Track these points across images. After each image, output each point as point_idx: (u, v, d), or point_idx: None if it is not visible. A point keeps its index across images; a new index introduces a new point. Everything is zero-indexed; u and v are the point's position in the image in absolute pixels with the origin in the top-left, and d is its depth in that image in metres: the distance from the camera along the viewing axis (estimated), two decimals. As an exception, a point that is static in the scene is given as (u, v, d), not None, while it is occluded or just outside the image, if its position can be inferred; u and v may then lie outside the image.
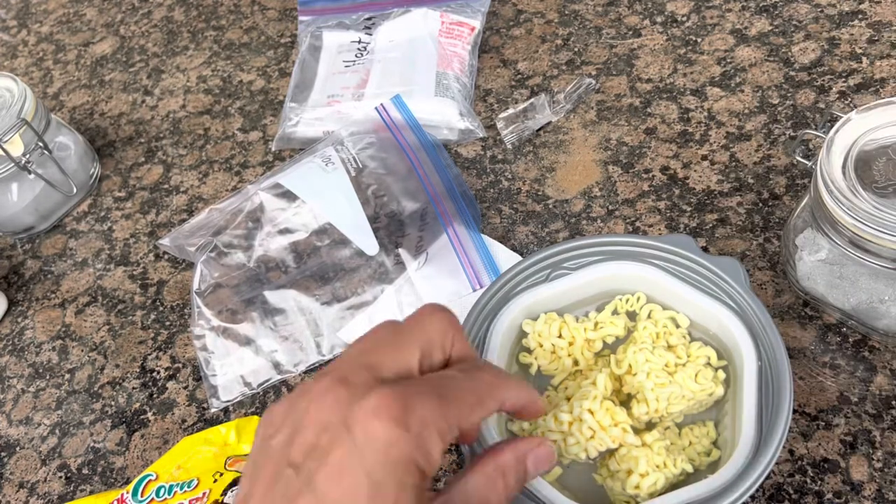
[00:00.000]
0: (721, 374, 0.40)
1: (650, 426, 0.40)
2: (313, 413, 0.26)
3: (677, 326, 0.42)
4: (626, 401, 0.40)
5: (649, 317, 0.42)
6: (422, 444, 0.25)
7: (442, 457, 0.26)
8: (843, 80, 0.57)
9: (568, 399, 0.40)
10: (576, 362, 0.42)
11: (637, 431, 0.38)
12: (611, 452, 0.38)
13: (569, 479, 0.39)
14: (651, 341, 0.40)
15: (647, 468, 0.36)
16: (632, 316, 0.43)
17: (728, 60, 0.61)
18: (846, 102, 0.56)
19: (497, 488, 0.29)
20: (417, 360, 0.28)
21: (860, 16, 0.61)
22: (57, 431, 0.54)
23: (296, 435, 0.26)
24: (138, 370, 0.56)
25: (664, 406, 0.39)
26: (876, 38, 0.59)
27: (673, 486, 0.37)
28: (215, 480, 0.44)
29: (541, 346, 0.42)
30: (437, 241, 0.55)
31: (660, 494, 0.36)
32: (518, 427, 0.40)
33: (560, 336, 0.42)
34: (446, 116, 0.63)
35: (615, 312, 0.43)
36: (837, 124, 0.41)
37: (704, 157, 0.56)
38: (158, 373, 0.55)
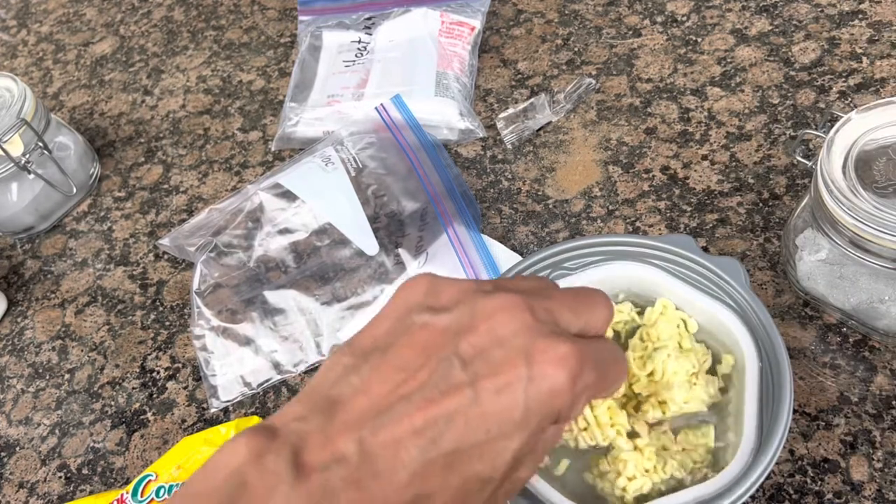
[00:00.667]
0: (721, 382, 0.40)
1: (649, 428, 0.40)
2: (494, 323, 0.27)
3: (687, 329, 0.41)
4: (632, 401, 0.40)
5: (663, 313, 0.42)
6: (573, 404, 0.28)
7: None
8: (844, 79, 0.57)
9: None
10: None
11: (634, 435, 0.38)
12: (604, 453, 0.38)
13: (568, 479, 0.39)
14: (676, 342, 0.40)
15: (635, 472, 0.36)
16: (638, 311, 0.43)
17: (728, 60, 0.61)
18: (846, 102, 0.56)
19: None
20: (578, 330, 0.30)
21: (860, 15, 0.61)
22: (57, 431, 0.54)
23: (468, 331, 0.27)
24: (138, 370, 0.56)
25: (681, 413, 0.39)
26: (876, 38, 0.59)
27: (668, 489, 0.37)
28: (215, 480, 0.44)
29: None
30: (437, 241, 0.55)
31: (649, 498, 0.36)
32: None
33: None
34: (446, 116, 0.63)
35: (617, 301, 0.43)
36: (838, 124, 0.41)
37: (705, 157, 0.56)
38: (158, 373, 0.55)
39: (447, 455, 0.25)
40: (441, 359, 0.27)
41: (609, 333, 0.42)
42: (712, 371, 0.40)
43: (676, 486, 0.37)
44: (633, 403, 0.40)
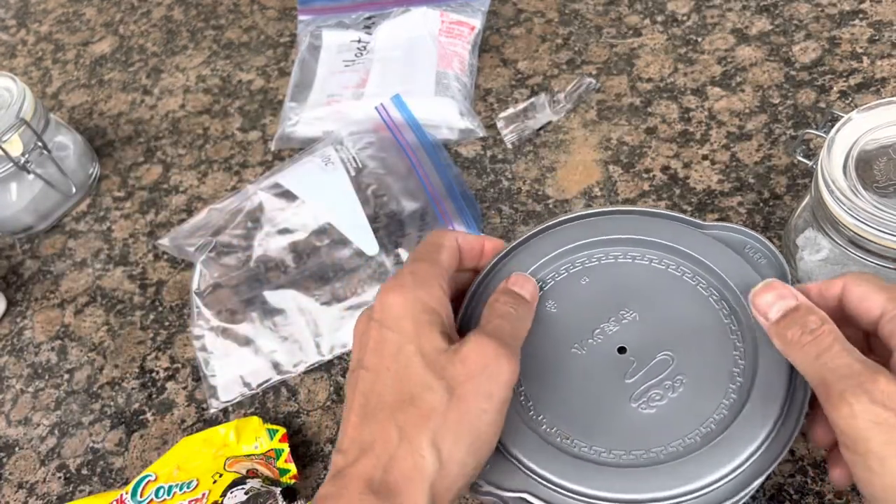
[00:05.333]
0: None
1: None
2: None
3: None
4: None
5: None
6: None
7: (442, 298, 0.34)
8: (844, 79, 0.57)
9: None
10: None
11: None
12: None
13: None
14: None
15: None
16: None
17: (729, 60, 0.61)
18: (847, 102, 0.56)
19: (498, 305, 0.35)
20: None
21: (861, 15, 0.61)
22: (56, 432, 0.54)
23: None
24: (137, 370, 0.55)
25: None
26: (877, 38, 0.59)
27: None
28: (214, 481, 0.44)
29: None
30: (437, 240, 0.55)
31: None
32: None
33: None
34: (446, 116, 0.63)
35: None
36: (838, 124, 0.41)
37: (705, 157, 0.56)
38: (157, 373, 0.55)
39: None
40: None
41: None
42: None
43: None
44: None
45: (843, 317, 0.32)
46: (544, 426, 0.35)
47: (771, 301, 0.32)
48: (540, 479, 0.33)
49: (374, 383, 0.32)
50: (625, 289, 0.38)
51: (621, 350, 0.36)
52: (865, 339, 0.33)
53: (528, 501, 0.33)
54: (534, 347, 0.37)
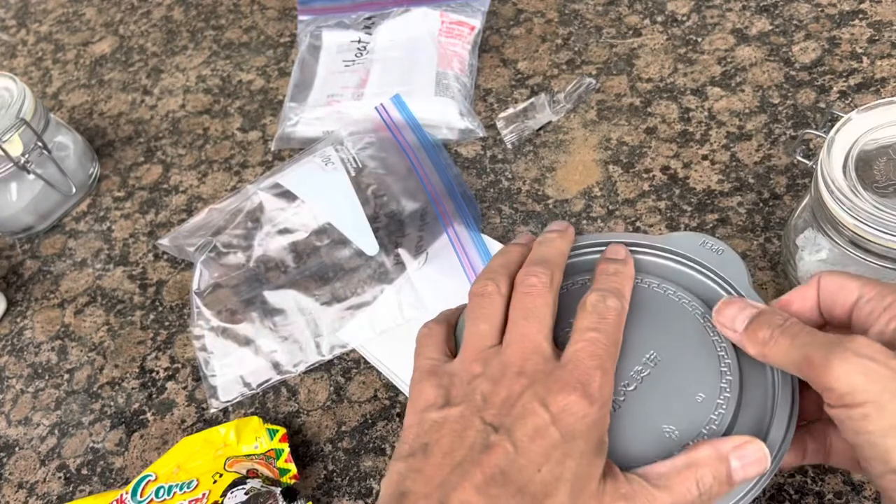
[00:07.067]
0: None
1: None
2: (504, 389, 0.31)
3: None
4: None
5: None
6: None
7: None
8: (844, 79, 0.57)
9: None
10: None
11: None
12: None
13: None
14: None
15: None
16: None
17: (728, 60, 0.61)
18: (847, 102, 0.56)
19: (687, 484, 0.30)
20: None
21: (861, 15, 0.61)
22: (56, 432, 0.54)
23: (484, 407, 0.31)
24: (137, 370, 0.55)
25: None
26: (876, 38, 0.59)
27: None
28: (215, 481, 0.44)
29: None
30: (437, 241, 0.55)
31: None
32: None
33: None
34: (446, 116, 0.63)
35: None
36: (838, 124, 0.41)
37: (705, 157, 0.56)
38: (158, 373, 0.55)
39: (513, 496, 0.28)
40: (477, 431, 0.30)
41: None
42: None
43: None
44: None
45: (822, 320, 0.33)
46: None
47: (734, 313, 0.33)
48: None
49: None
50: None
51: None
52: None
53: None
54: None
